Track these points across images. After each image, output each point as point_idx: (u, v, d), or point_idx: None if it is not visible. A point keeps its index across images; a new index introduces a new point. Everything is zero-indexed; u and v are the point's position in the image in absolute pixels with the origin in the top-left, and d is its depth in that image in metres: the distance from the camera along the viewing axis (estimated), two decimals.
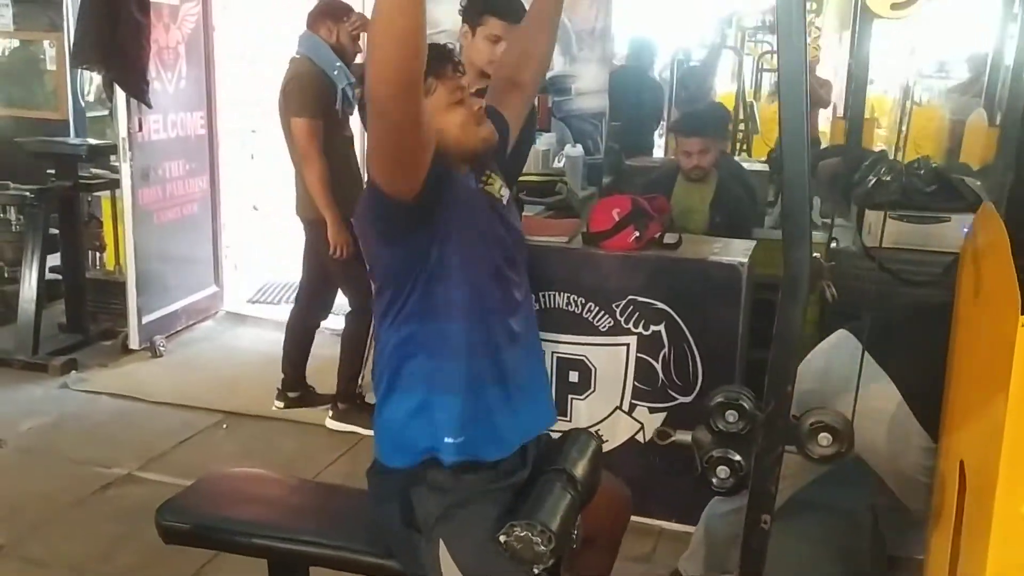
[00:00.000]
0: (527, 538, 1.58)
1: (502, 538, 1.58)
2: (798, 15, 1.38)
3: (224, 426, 3.70)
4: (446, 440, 1.67)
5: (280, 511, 1.90)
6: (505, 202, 1.84)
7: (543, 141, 3.85)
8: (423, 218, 1.62)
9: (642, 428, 2.89)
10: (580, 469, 1.77)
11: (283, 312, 5.17)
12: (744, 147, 7.10)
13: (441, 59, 1.68)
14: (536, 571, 1.58)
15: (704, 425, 1.66)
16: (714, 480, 1.68)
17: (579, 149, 3.89)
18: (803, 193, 1.46)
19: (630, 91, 4.83)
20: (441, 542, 1.65)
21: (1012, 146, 3.91)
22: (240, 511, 1.89)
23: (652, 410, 2.87)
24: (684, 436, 1.70)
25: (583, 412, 2.95)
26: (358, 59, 3.47)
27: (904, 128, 5.52)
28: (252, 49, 5.48)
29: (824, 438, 1.59)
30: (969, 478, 1.50)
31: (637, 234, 2.79)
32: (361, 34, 3.42)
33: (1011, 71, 5.82)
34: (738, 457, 1.65)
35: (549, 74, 4.15)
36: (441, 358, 1.68)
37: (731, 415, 1.64)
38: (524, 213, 3.00)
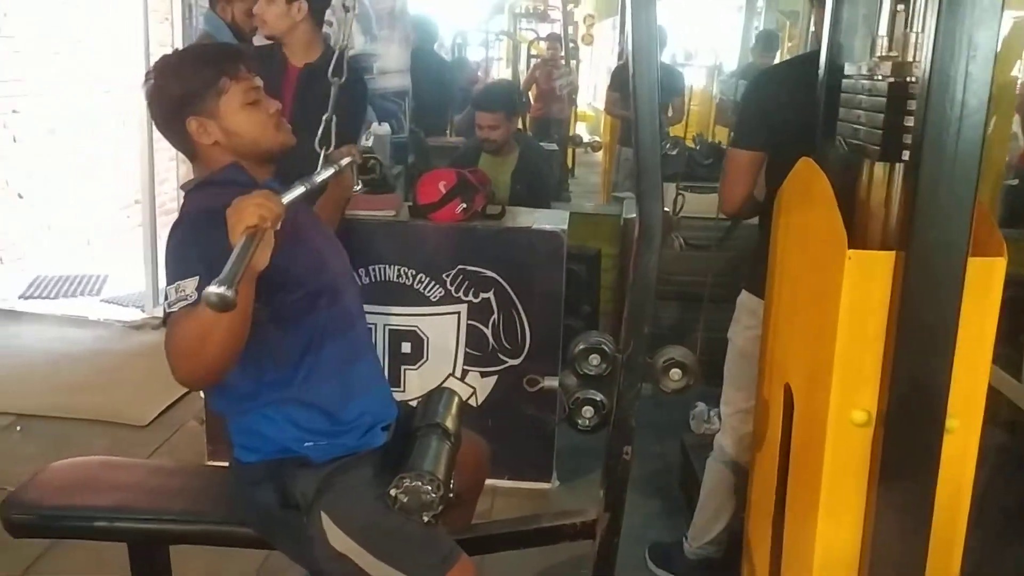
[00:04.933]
0: (416, 488, 1.63)
1: (392, 491, 1.62)
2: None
3: (19, 428, 3.40)
4: (306, 444, 1.70)
5: (139, 494, 1.83)
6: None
7: None
8: None
9: (475, 392, 3.01)
10: (450, 422, 1.85)
11: (62, 307, 4.80)
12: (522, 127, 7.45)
13: (233, 59, 1.67)
14: (425, 519, 1.65)
15: (570, 370, 1.81)
16: (579, 421, 1.83)
17: (386, 127, 3.90)
18: (655, 152, 1.62)
19: (430, 72, 4.92)
20: (323, 514, 1.66)
21: None
22: (96, 497, 1.80)
23: (484, 374, 2.99)
24: (552, 382, 1.84)
25: (416, 382, 3.01)
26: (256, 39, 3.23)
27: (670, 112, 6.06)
28: (11, 21, 5.00)
29: (675, 373, 1.78)
30: (797, 397, 1.74)
31: (464, 205, 2.89)
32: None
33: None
34: (601, 397, 1.82)
35: (351, 53, 4.12)
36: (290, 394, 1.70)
37: (594, 359, 1.79)
38: None
